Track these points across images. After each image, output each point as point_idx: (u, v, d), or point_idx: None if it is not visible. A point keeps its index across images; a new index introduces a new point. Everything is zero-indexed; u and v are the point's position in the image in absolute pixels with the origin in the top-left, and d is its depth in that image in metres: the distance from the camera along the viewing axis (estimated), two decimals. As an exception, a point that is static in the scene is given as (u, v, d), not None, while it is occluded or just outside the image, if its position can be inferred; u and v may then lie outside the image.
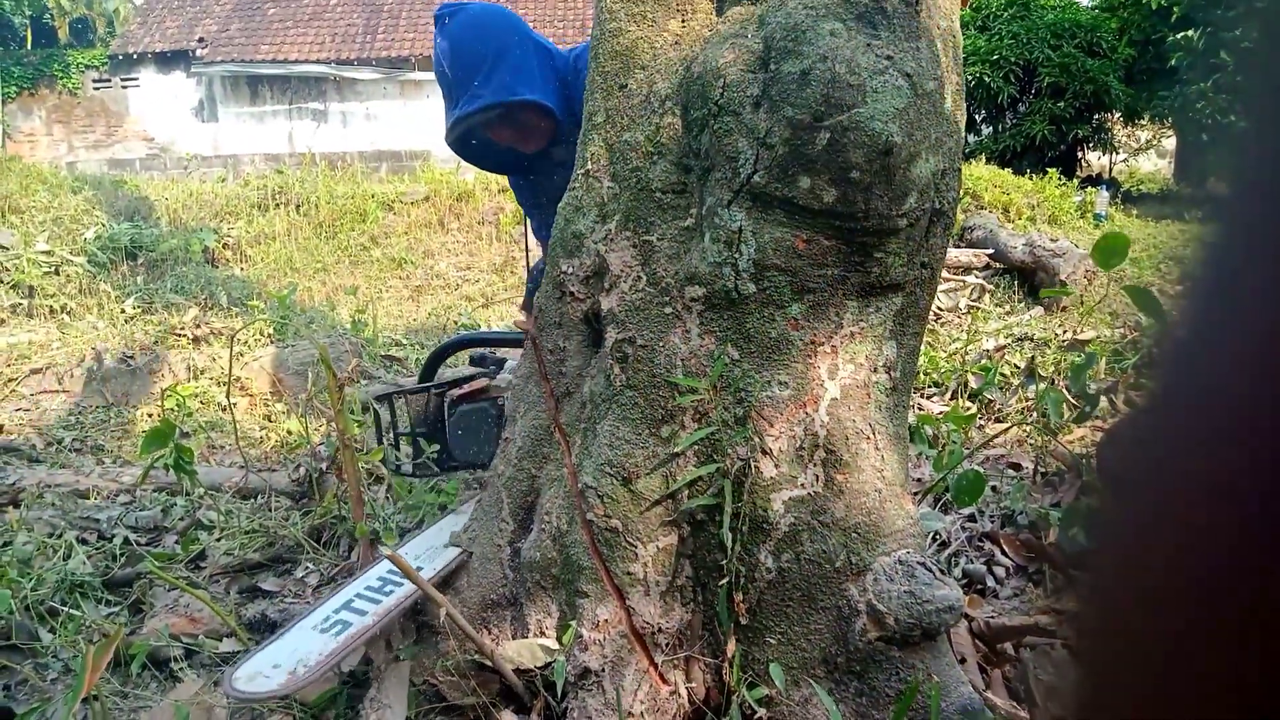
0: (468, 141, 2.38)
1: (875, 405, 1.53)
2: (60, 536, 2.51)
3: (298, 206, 9.19)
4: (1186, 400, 0.30)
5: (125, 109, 17.24)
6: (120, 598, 2.27)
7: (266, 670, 1.50)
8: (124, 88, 17.20)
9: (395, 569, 1.72)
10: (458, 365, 3.10)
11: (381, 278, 8.13)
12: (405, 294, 7.81)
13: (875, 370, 1.52)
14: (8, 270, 6.42)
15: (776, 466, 1.49)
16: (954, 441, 2.55)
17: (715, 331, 1.48)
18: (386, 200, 9.46)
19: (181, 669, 1.96)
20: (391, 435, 2.31)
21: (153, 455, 2.28)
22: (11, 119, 16.67)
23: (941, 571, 1.50)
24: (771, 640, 1.53)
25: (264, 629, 2.13)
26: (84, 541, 2.52)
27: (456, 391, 2.23)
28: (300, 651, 1.54)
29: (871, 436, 1.52)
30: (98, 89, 17.24)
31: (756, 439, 1.48)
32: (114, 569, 2.36)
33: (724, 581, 1.51)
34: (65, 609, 2.13)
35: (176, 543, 2.54)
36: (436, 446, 2.24)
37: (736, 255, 1.43)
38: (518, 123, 2.28)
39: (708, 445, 1.51)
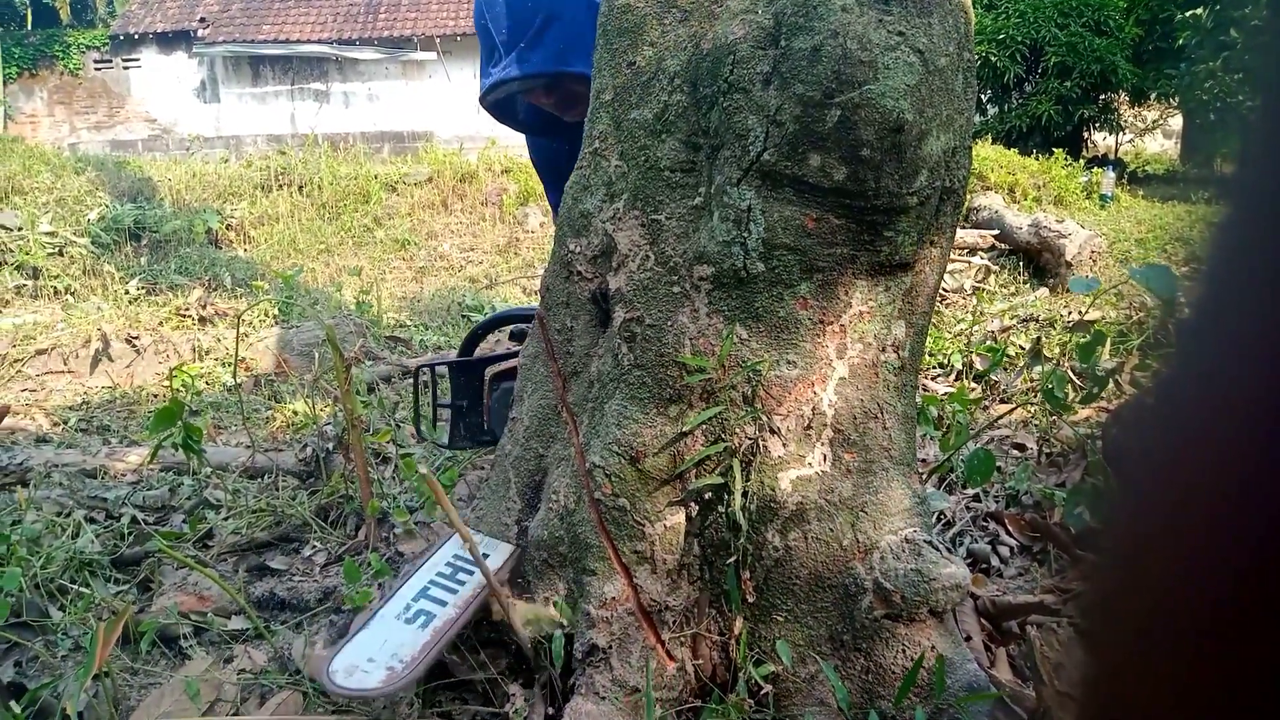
0: (501, 104, 2.28)
1: (884, 384, 1.53)
2: (68, 515, 2.52)
3: (300, 187, 9.17)
4: (1194, 383, 0.30)
5: (127, 90, 17.19)
6: (129, 576, 2.28)
7: (363, 664, 1.48)
8: (125, 68, 17.14)
9: (461, 552, 1.72)
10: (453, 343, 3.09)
11: (385, 259, 8.13)
12: (409, 275, 7.80)
13: (884, 350, 1.52)
14: (11, 251, 6.43)
15: (784, 445, 1.49)
16: (959, 422, 2.55)
17: (724, 311, 1.48)
18: (389, 181, 9.44)
19: (190, 646, 1.97)
20: (430, 406, 2.32)
21: (160, 434, 2.29)
22: (13, 100, 16.63)
23: (948, 550, 1.51)
24: (778, 618, 1.54)
25: (272, 606, 2.15)
26: (92, 520, 2.54)
27: (498, 367, 2.23)
28: (391, 644, 1.53)
29: (880, 416, 1.52)
30: (99, 70, 17.19)
31: (764, 418, 1.48)
32: (122, 548, 2.37)
33: (731, 560, 1.51)
34: (74, 587, 2.14)
35: (184, 522, 2.55)
36: (466, 419, 2.25)
37: (745, 234, 1.43)
38: (563, 92, 2.17)
39: (716, 424, 1.51)
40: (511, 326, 2.47)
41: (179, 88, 16.87)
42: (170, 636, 1.99)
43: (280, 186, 9.17)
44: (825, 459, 1.51)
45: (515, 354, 2.26)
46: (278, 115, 16.28)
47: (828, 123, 1.33)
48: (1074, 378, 3.35)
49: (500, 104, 2.32)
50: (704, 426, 1.52)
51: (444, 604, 1.62)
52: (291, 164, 9.45)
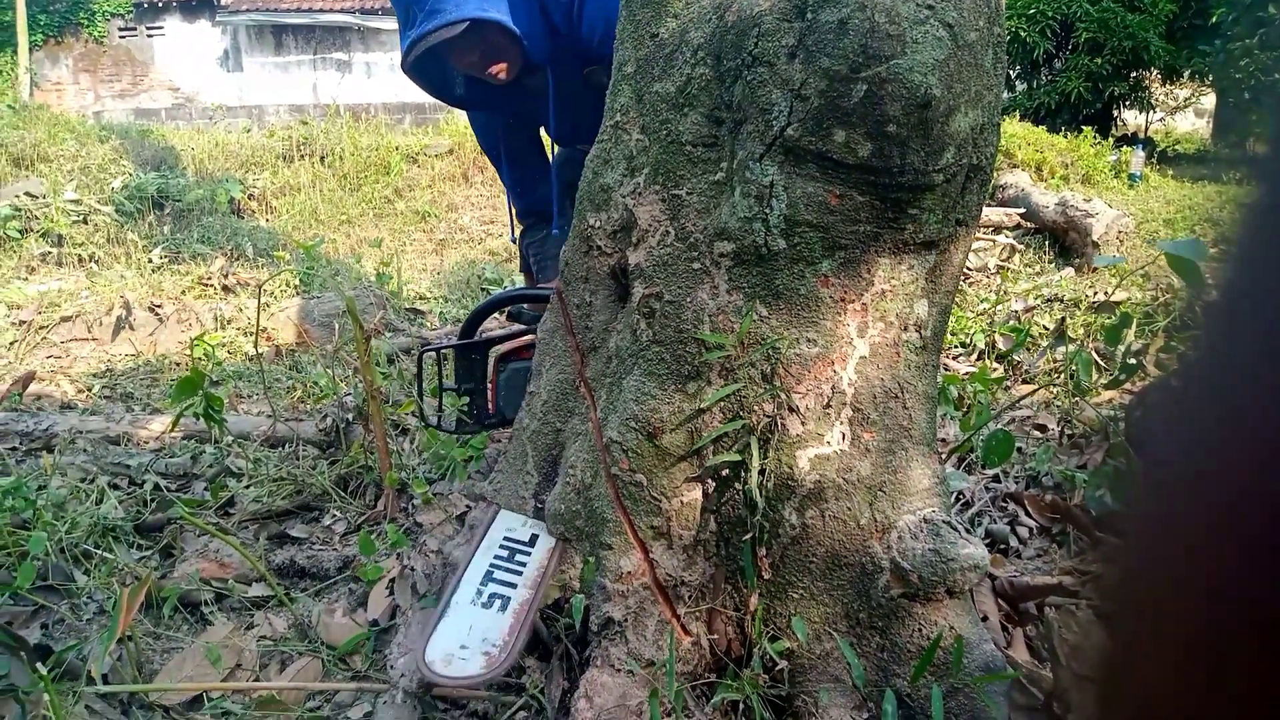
0: (428, 68, 2.23)
1: (905, 364, 1.51)
2: (92, 482, 2.55)
3: (322, 158, 9.18)
4: (1220, 366, 0.30)
5: (151, 58, 17.22)
6: (151, 542, 2.31)
7: (457, 652, 1.50)
8: (149, 36, 17.17)
9: (510, 533, 1.74)
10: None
11: (405, 230, 8.14)
12: (429, 247, 7.81)
13: (906, 328, 1.50)
14: (37, 219, 6.48)
15: (803, 424, 1.48)
16: (980, 402, 2.53)
17: (744, 288, 1.47)
18: (410, 153, 9.43)
19: (212, 612, 2.00)
20: (437, 390, 2.30)
21: (182, 404, 2.31)
22: (39, 67, 16.69)
23: (967, 531, 1.50)
24: (794, 595, 1.54)
25: (292, 574, 2.17)
26: (115, 487, 2.57)
27: (501, 348, 2.21)
28: (478, 630, 1.55)
29: (900, 395, 1.51)
30: (123, 38, 17.22)
31: (783, 396, 1.47)
32: (145, 514, 2.40)
33: (748, 536, 1.51)
34: (98, 552, 2.17)
35: (206, 489, 2.58)
36: (470, 402, 2.24)
37: (767, 210, 1.41)
38: (482, 45, 2.14)
39: (734, 402, 1.50)
40: (509, 307, 2.44)
41: (202, 56, 16.89)
42: (192, 602, 2.02)
43: (302, 157, 9.17)
44: (844, 438, 1.50)
45: (520, 334, 2.25)
46: (300, 85, 16.28)
47: (853, 98, 1.31)
48: (1098, 359, 3.32)
49: (430, 74, 2.27)
50: (722, 403, 1.51)
51: (513, 585, 1.64)
52: (313, 134, 9.45)
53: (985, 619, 1.72)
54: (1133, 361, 1.93)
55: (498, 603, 1.61)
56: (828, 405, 1.48)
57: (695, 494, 1.56)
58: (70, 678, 1.71)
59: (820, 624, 1.53)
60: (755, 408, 1.49)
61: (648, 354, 1.56)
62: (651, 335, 1.55)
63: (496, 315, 2.84)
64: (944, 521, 1.47)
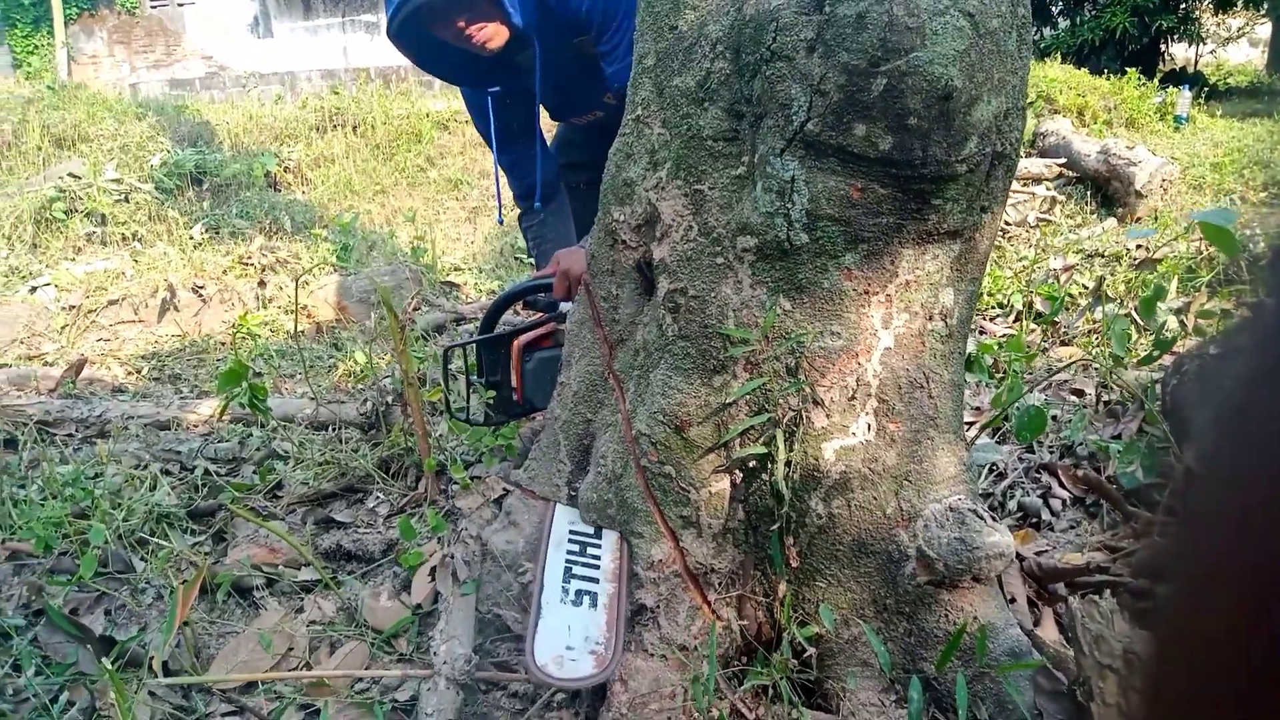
0: (414, 38, 2.24)
1: (930, 353, 1.52)
2: (145, 468, 2.65)
3: (354, 128, 9.19)
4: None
5: (182, 27, 17.29)
6: (204, 527, 2.40)
7: (565, 653, 1.53)
8: (180, 5, 17.22)
9: (574, 526, 1.76)
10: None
11: (439, 199, 8.16)
12: (462, 216, 7.83)
13: (931, 318, 1.50)
14: (80, 199, 6.61)
15: (828, 416, 1.49)
16: (1015, 372, 2.51)
17: (767, 282, 1.48)
18: (441, 120, 9.40)
19: (263, 598, 2.08)
20: (465, 385, 2.33)
21: (228, 393, 2.38)
22: (74, 41, 16.85)
23: (993, 516, 1.51)
24: (821, 582, 1.57)
25: (339, 558, 2.25)
26: (167, 473, 2.66)
27: (525, 338, 2.23)
28: (576, 629, 1.57)
29: (925, 385, 1.52)
30: (155, 8, 17.29)
31: (808, 389, 1.48)
32: (197, 500, 2.49)
33: (775, 526, 1.54)
34: (154, 539, 2.26)
35: (254, 473, 2.66)
36: (496, 394, 2.27)
37: (789, 205, 1.41)
38: (464, 12, 2.14)
39: (759, 395, 1.52)
40: (525, 299, 2.44)
41: (232, 23, 16.92)
42: (244, 587, 2.11)
43: (335, 127, 9.19)
44: (869, 429, 1.51)
45: (542, 323, 2.26)
46: (330, 48, 16.26)
47: (873, 91, 1.30)
48: (1138, 318, 3.26)
49: (419, 45, 2.28)
50: (748, 397, 1.53)
51: (596, 580, 1.66)
52: (345, 104, 9.45)
53: (1012, 600, 1.74)
54: (1166, 336, 1.90)
55: (587, 599, 1.63)
56: (852, 397, 1.49)
57: (723, 484, 1.59)
58: (133, 665, 1.80)
59: (848, 610, 1.56)
60: (780, 401, 1.50)
61: (674, 348, 1.58)
62: (677, 330, 1.57)
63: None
64: (970, 509, 1.48)
